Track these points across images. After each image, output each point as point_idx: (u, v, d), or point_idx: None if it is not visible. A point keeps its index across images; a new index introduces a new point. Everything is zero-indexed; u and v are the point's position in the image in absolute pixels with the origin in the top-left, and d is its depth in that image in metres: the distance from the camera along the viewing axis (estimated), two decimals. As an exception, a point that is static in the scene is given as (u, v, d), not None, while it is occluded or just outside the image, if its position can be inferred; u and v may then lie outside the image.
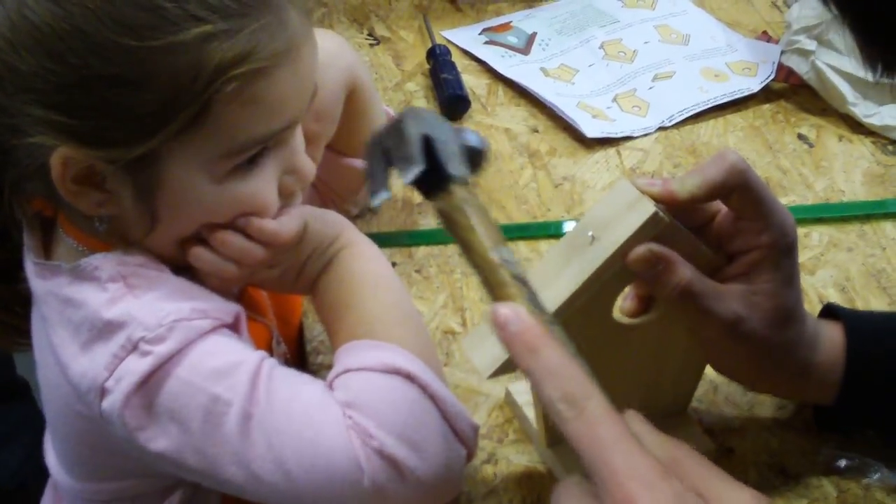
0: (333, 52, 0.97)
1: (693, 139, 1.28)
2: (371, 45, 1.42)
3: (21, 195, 0.83)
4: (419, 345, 0.81)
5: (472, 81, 1.35)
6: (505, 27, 1.45)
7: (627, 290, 0.83)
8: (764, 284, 0.78)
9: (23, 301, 0.88)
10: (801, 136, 1.29)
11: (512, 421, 0.92)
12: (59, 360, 0.81)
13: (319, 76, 0.85)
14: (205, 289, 0.83)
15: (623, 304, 0.83)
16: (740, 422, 0.92)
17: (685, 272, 0.76)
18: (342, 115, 1.00)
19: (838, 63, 1.28)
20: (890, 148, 1.27)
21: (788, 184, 1.21)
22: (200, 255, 0.82)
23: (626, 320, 0.82)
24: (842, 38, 1.28)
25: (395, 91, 1.33)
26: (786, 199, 1.18)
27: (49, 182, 0.77)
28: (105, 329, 0.78)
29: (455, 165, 0.68)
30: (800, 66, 1.31)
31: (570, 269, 0.75)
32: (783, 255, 0.78)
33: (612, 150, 1.25)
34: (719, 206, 0.80)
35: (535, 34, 1.44)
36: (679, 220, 0.77)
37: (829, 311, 0.87)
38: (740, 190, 0.76)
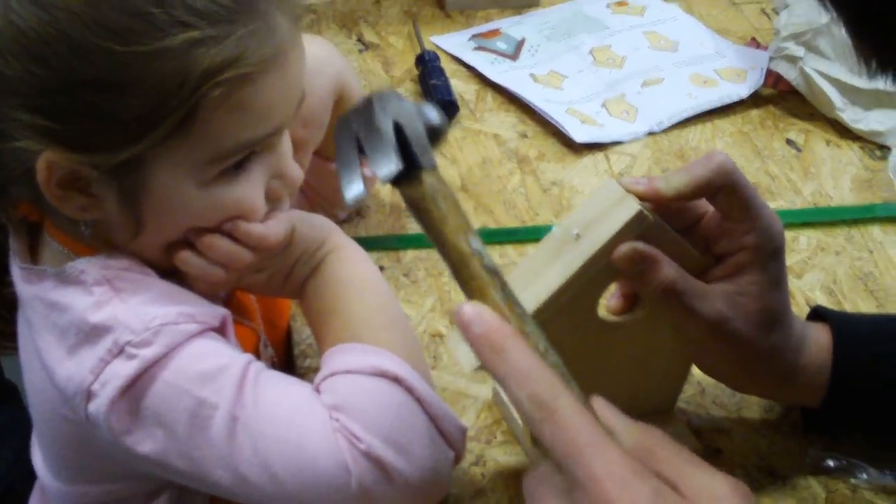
0: (322, 58, 0.97)
1: (682, 144, 1.28)
2: (360, 51, 1.42)
3: (7, 199, 0.83)
4: (406, 348, 0.81)
5: (461, 87, 1.35)
6: (494, 33, 1.46)
7: (614, 288, 0.83)
8: (750, 286, 0.78)
9: (9, 305, 0.88)
10: (789, 142, 1.29)
11: (500, 422, 0.92)
12: (45, 364, 0.81)
13: (307, 82, 0.85)
14: (191, 293, 0.83)
15: (609, 302, 0.83)
16: (728, 423, 0.92)
17: (669, 271, 0.76)
18: (331, 121, 1.00)
19: (826, 69, 1.29)
20: (877, 153, 1.27)
21: (777, 189, 1.21)
22: (187, 259, 0.82)
23: (611, 318, 0.83)
24: (830, 44, 1.28)
25: (385, 97, 1.33)
26: (774, 204, 1.18)
27: (35, 186, 0.77)
28: (91, 333, 0.78)
29: (425, 154, 0.66)
30: (788, 72, 1.31)
31: (554, 266, 0.75)
32: (770, 257, 0.79)
33: (600, 156, 1.26)
34: (707, 208, 0.80)
35: (524, 40, 1.44)
36: (666, 220, 0.78)
37: (817, 314, 0.88)
38: (727, 190, 0.77)
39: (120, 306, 0.79)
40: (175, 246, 0.82)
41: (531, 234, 1.13)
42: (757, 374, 0.83)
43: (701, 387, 0.94)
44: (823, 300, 1.05)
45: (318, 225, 0.88)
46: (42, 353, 0.81)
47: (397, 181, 0.67)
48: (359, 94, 1.02)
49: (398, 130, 0.67)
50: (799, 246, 1.13)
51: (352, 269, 0.87)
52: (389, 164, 0.64)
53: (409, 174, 0.65)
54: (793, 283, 1.06)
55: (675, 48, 1.44)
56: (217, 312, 0.82)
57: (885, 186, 1.21)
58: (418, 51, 1.38)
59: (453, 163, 1.23)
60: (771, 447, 0.90)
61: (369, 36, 1.45)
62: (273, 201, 0.84)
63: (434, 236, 0.64)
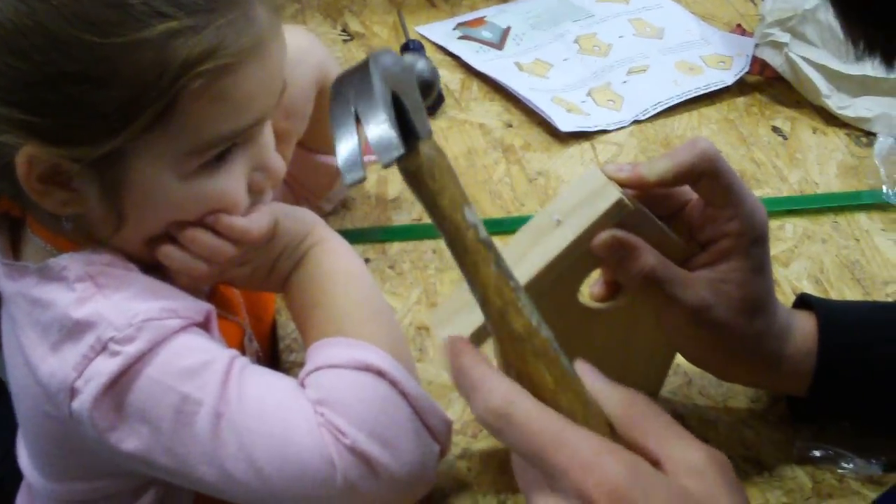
0: (304, 48, 0.96)
1: (667, 132, 1.28)
2: (345, 40, 1.42)
3: (-13, 194, 0.83)
4: (390, 341, 0.81)
5: (446, 76, 1.35)
6: (479, 22, 1.45)
7: (598, 275, 0.83)
8: (732, 273, 0.78)
9: (-9, 302, 0.87)
10: (775, 129, 1.29)
11: (486, 416, 0.91)
12: (28, 361, 0.81)
13: (289, 73, 0.84)
14: (175, 288, 0.82)
15: (592, 289, 0.83)
16: (715, 413, 0.92)
17: (649, 259, 0.76)
18: (313, 111, 0.99)
19: (812, 55, 1.28)
20: (864, 140, 1.27)
21: (763, 176, 1.21)
22: (170, 254, 0.81)
23: (594, 305, 0.83)
24: (816, 30, 1.28)
25: (369, 87, 1.33)
26: (760, 192, 1.18)
27: (15, 181, 0.76)
28: (74, 329, 0.78)
29: (422, 123, 0.64)
30: (774, 59, 1.31)
31: (534, 252, 0.75)
32: (753, 243, 0.78)
33: (586, 145, 1.25)
34: (691, 195, 0.80)
35: (509, 29, 1.44)
36: (650, 207, 0.78)
37: (803, 302, 0.87)
38: (709, 176, 0.77)
39: (103, 302, 0.78)
40: (157, 240, 0.82)
41: (517, 225, 1.10)
42: (741, 362, 0.83)
43: (687, 377, 0.94)
44: (810, 289, 1.05)
45: (302, 218, 0.88)
46: (25, 349, 0.81)
47: None
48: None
49: (395, 99, 0.64)
50: (785, 234, 1.13)
51: (336, 261, 0.86)
52: (391, 150, 0.61)
53: (406, 145, 0.63)
54: (779, 272, 1.06)
55: (660, 35, 1.44)
56: (201, 307, 0.81)
57: (872, 173, 1.20)
58: (403, 40, 1.37)
59: (438, 153, 1.23)
60: (757, 438, 0.90)
61: (354, 25, 1.45)
62: (256, 194, 0.84)
63: (430, 208, 0.63)
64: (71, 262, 0.80)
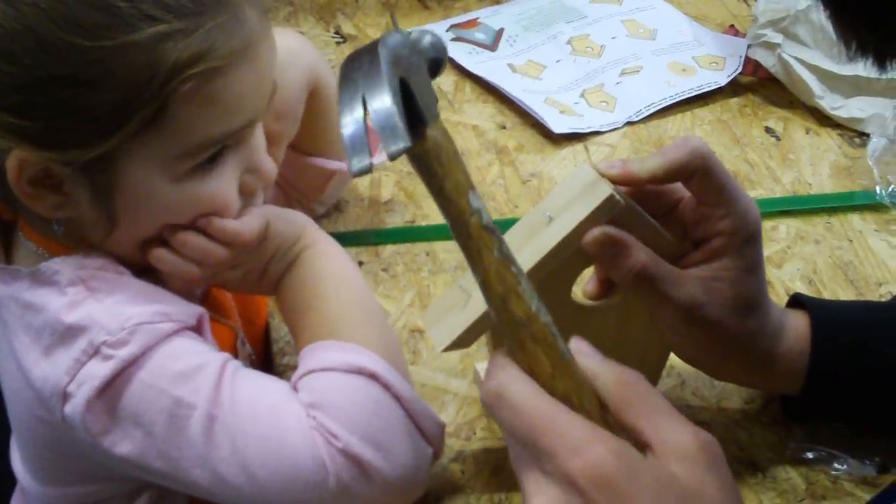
0: (295, 50, 0.96)
1: (660, 133, 1.28)
2: (338, 42, 1.42)
3: (-22, 199, 0.82)
4: (383, 344, 0.81)
5: (440, 78, 1.33)
6: (472, 24, 1.45)
7: (591, 272, 0.83)
8: (725, 271, 0.78)
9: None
10: (768, 130, 1.29)
11: (480, 419, 0.91)
12: (20, 365, 0.80)
13: (280, 75, 0.84)
14: (167, 291, 0.82)
15: (586, 287, 0.83)
16: (708, 415, 0.92)
17: (640, 256, 0.76)
18: (305, 114, 0.99)
19: (805, 56, 1.28)
20: (857, 140, 1.27)
21: (756, 177, 1.21)
22: (162, 257, 0.81)
23: (587, 302, 0.83)
24: (808, 31, 1.28)
25: (362, 89, 1.32)
26: (753, 193, 1.18)
27: (6, 185, 0.76)
28: (66, 333, 0.77)
29: (430, 108, 0.63)
30: (766, 60, 1.31)
31: (526, 249, 0.75)
32: (746, 242, 0.78)
33: (579, 146, 1.25)
34: (684, 193, 0.80)
35: (502, 30, 1.43)
36: (643, 205, 0.78)
37: (796, 301, 0.87)
38: (701, 173, 0.77)
39: (95, 306, 0.78)
40: (149, 243, 0.81)
41: (510, 226, 1.12)
42: (734, 361, 0.83)
43: (681, 378, 0.94)
44: (803, 290, 1.05)
45: (293, 220, 0.87)
46: (17, 354, 0.81)
47: None
48: (333, 87, 1.01)
49: (404, 84, 0.62)
50: (778, 235, 1.13)
51: (328, 264, 0.86)
52: (398, 142, 0.58)
53: (414, 129, 0.61)
54: (772, 273, 1.06)
55: (653, 36, 1.44)
56: (193, 311, 0.81)
57: (865, 174, 1.20)
58: (396, 42, 1.36)
59: (432, 155, 1.23)
60: (751, 439, 0.90)
61: (347, 28, 1.44)
62: (247, 196, 0.84)
63: (434, 193, 0.63)
64: (63, 266, 0.80)
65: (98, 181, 0.77)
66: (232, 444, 0.76)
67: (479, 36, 1.42)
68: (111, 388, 0.76)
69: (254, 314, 1.00)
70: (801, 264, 1.09)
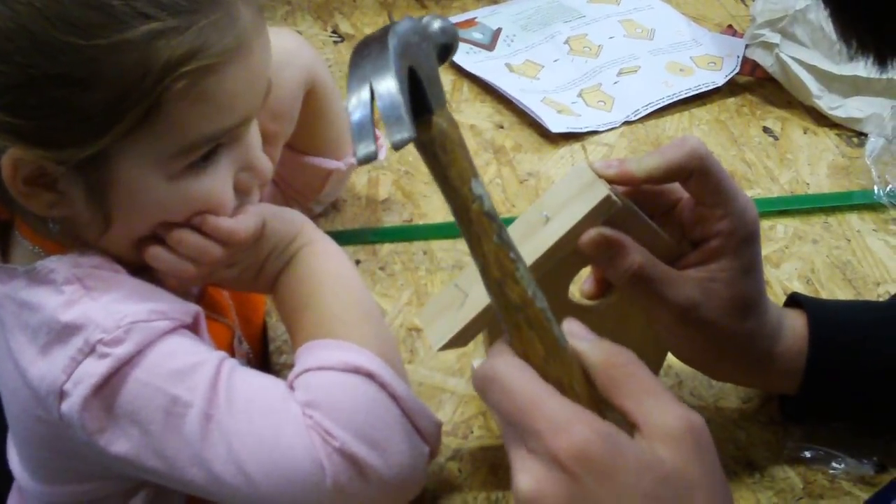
0: (291, 50, 0.96)
1: (658, 133, 1.28)
2: (335, 42, 1.42)
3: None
4: (380, 343, 0.80)
5: (438, 78, 1.34)
6: (470, 23, 1.45)
7: (589, 272, 0.83)
8: (722, 272, 0.78)
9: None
10: (766, 129, 1.29)
11: (477, 417, 0.91)
12: (17, 364, 0.80)
13: (277, 75, 0.84)
14: (163, 290, 0.82)
15: (583, 287, 0.83)
16: (706, 414, 0.90)
17: (636, 257, 0.76)
18: (302, 113, 0.99)
19: (802, 56, 1.28)
20: (854, 140, 1.27)
21: (754, 177, 1.21)
22: (157, 255, 0.81)
23: (584, 302, 0.83)
24: (806, 31, 1.28)
25: (360, 88, 1.32)
26: (751, 192, 1.18)
27: (1, 184, 0.76)
28: (62, 332, 0.77)
29: (436, 96, 0.64)
30: (764, 60, 1.31)
31: (523, 248, 0.75)
32: (743, 243, 0.78)
33: (577, 146, 1.25)
34: (682, 193, 0.80)
35: (499, 30, 1.43)
36: (640, 205, 0.78)
37: (794, 301, 0.87)
38: (699, 174, 0.76)
39: (91, 304, 0.78)
40: (145, 242, 0.81)
41: (507, 226, 1.12)
42: (732, 361, 0.83)
43: (679, 378, 0.94)
44: (801, 290, 1.05)
45: (290, 219, 0.87)
46: (14, 352, 0.80)
47: None
48: (330, 86, 1.01)
49: (412, 72, 0.62)
50: (776, 234, 1.13)
51: (324, 263, 0.86)
52: (402, 133, 0.59)
53: (420, 118, 0.63)
54: (770, 273, 1.06)
55: (650, 36, 1.44)
56: (189, 309, 0.81)
57: (863, 174, 1.20)
58: (393, 42, 1.36)
59: (429, 154, 1.22)
60: (749, 438, 0.89)
61: (344, 27, 1.44)
62: (243, 194, 0.84)
63: (438, 179, 0.64)
64: (59, 265, 0.79)
65: (93, 179, 0.76)
66: (227, 443, 0.76)
67: (477, 35, 1.42)
68: (107, 387, 0.76)
69: (251, 312, 1.00)
70: (798, 264, 1.09)
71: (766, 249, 1.07)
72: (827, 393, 0.84)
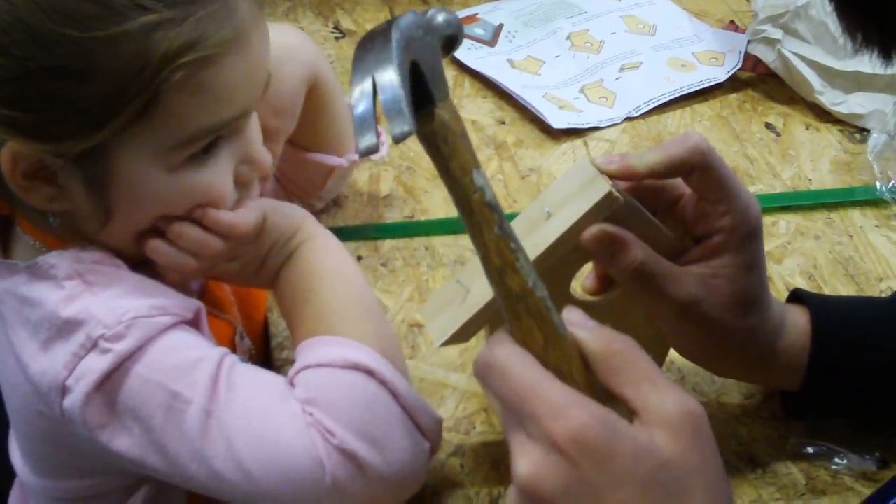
0: (293, 46, 0.96)
1: (660, 129, 1.28)
2: (337, 38, 1.41)
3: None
4: (380, 339, 0.80)
5: (439, 74, 1.34)
6: (471, 19, 1.45)
7: (590, 268, 0.83)
8: (724, 268, 0.78)
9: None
10: (768, 125, 1.29)
11: (479, 413, 0.91)
12: (18, 359, 0.80)
13: (278, 70, 0.84)
14: (164, 285, 0.82)
15: (585, 282, 0.83)
16: (708, 410, 0.90)
17: (638, 253, 0.76)
18: (304, 109, 0.99)
19: (805, 52, 1.28)
20: (857, 136, 1.27)
21: (756, 173, 1.21)
22: (158, 248, 0.81)
23: (586, 298, 0.82)
24: (808, 26, 1.28)
25: (361, 84, 1.32)
26: (753, 188, 1.18)
27: (1, 178, 0.76)
28: (64, 327, 0.77)
29: (440, 88, 0.64)
30: (766, 55, 1.31)
31: (525, 244, 0.75)
32: (746, 239, 0.78)
33: (578, 141, 1.25)
34: (684, 189, 0.80)
35: (501, 26, 1.43)
36: (642, 201, 0.77)
37: (796, 296, 0.87)
38: (701, 169, 0.76)
39: (92, 300, 0.78)
40: (145, 235, 0.81)
41: (509, 221, 1.12)
42: (734, 357, 0.83)
43: (681, 374, 0.94)
44: (803, 286, 1.04)
45: (291, 214, 0.87)
46: (16, 348, 0.80)
47: None
48: (332, 82, 1.01)
49: (415, 65, 0.62)
50: (778, 230, 1.12)
51: (325, 258, 0.86)
52: (402, 127, 0.59)
53: (422, 110, 0.63)
54: (772, 269, 1.06)
55: (652, 32, 1.44)
56: (190, 305, 0.81)
57: (865, 169, 1.20)
58: (395, 37, 1.36)
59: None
60: (751, 434, 0.89)
61: (346, 23, 1.44)
62: (243, 187, 0.83)
63: (440, 170, 0.64)
64: (60, 260, 0.79)
65: (92, 172, 0.76)
66: (227, 439, 0.75)
67: (479, 31, 1.42)
68: (109, 382, 0.76)
69: (253, 308, 1.00)
70: (801, 260, 1.09)
71: (768, 245, 1.07)
72: (829, 389, 0.84)
